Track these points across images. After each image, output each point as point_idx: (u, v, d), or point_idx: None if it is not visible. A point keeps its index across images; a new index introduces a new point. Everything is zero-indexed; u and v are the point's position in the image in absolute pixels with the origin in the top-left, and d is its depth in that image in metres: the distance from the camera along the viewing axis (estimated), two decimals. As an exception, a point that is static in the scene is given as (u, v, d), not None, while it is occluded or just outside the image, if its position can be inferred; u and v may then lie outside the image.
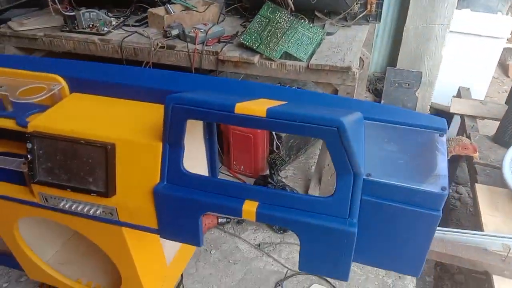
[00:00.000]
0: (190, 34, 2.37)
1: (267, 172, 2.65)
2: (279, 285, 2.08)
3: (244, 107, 1.02)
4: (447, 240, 2.01)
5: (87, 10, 2.54)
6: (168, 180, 1.22)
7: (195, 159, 1.40)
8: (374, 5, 2.62)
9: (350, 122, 0.99)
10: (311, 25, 2.38)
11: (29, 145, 1.28)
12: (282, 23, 2.36)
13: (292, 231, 1.15)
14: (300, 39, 2.32)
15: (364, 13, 2.64)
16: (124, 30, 2.58)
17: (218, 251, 2.28)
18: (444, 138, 1.16)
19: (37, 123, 1.30)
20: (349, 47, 2.36)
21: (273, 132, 2.72)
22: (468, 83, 3.66)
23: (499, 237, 2.01)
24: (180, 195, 1.19)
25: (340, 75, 2.20)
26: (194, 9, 2.62)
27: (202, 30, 2.40)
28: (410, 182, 1.06)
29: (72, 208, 1.33)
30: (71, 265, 1.82)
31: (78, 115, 1.35)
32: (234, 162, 2.78)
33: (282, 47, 2.27)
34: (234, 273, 2.16)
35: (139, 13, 2.74)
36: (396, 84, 3.54)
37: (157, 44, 2.37)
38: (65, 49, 2.57)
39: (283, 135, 2.72)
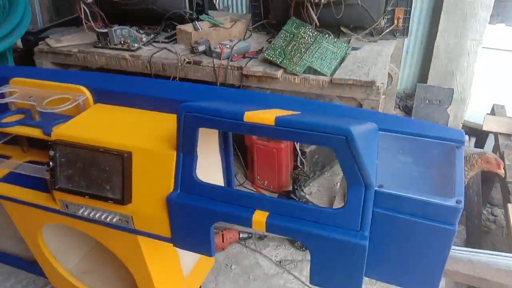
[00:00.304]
0: (216, 50, 2.42)
1: (291, 187, 2.63)
2: (299, 303, 2.04)
3: (253, 116, 1.03)
4: (476, 261, 1.92)
5: (119, 27, 2.65)
6: (182, 189, 1.23)
7: (211, 169, 1.41)
8: (401, 20, 2.59)
9: (359, 131, 0.97)
10: (335, 40, 2.39)
11: (51, 153, 1.33)
12: (306, 38, 2.37)
13: (302, 243, 1.13)
14: (324, 53, 2.32)
15: (391, 28, 2.61)
16: (153, 46, 2.66)
17: (239, 266, 2.27)
18: (461, 151, 1.12)
19: (60, 131, 1.35)
20: (374, 62, 2.33)
21: (297, 147, 2.70)
22: (503, 101, 3.53)
23: (532, 260, 1.90)
24: (192, 203, 1.20)
25: (364, 90, 2.17)
26: (221, 25, 2.68)
27: (228, 46, 2.44)
28: (423, 195, 1.02)
29: (90, 215, 1.37)
30: (92, 274, 1.85)
31: (99, 124, 1.39)
32: (258, 177, 2.78)
33: (306, 62, 2.27)
34: (254, 289, 2.14)
35: (168, 30, 2.82)
36: (427, 101, 3.45)
37: (184, 60, 2.43)
38: (97, 65, 2.67)
39: (307, 150, 2.70)
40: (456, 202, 1.00)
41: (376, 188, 1.05)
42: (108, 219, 1.35)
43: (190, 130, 1.12)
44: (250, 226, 1.15)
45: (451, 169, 1.08)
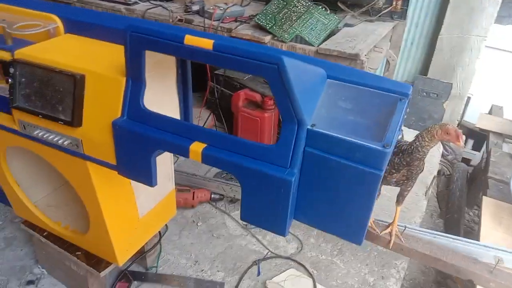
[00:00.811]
0: (208, 11, 2.42)
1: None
2: (256, 264, 2.05)
3: (193, 39, 1.03)
4: (436, 243, 1.90)
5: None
6: (128, 116, 1.25)
7: (166, 104, 1.42)
8: (400, 1, 2.56)
9: (293, 63, 0.97)
10: (328, 12, 2.37)
11: (11, 70, 1.36)
12: (299, 7, 2.36)
13: (234, 176, 1.14)
14: (314, 24, 2.31)
15: (389, 9, 2.58)
16: (150, 3, 2.68)
17: (205, 224, 2.29)
18: (404, 102, 1.11)
19: (23, 51, 1.38)
20: (364, 38, 2.31)
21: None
22: (503, 102, 3.47)
23: (492, 248, 1.88)
24: (135, 130, 1.22)
25: (348, 62, 2.16)
26: (223, -9, 2.67)
27: (221, 8, 2.44)
28: (353, 137, 1.02)
29: (44, 137, 1.39)
30: (56, 209, 1.89)
31: (62, 50, 1.41)
32: (240, 145, 2.78)
33: (295, 30, 2.26)
34: (215, 246, 2.15)
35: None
36: (424, 94, 3.41)
37: (176, 17, 2.44)
38: (94, 16, 2.69)
39: (291, 123, 2.69)
40: (384, 146, 0.99)
41: (308, 127, 1.05)
42: (59, 142, 1.37)
43: (135, 52, 1.13)
44: (187, 156, 1.16)
45: (387, 118, 1.07)
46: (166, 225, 2.22)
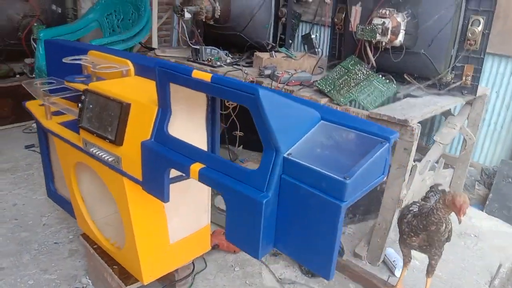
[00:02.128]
0: (277, 74, 2.67)
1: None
2: (278, 316, 2.04)
3: (199, 73, 1.24)
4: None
5: (210, 47, 3.10)
6: (155, 138, 1.48)
7: (194, 134, 1.61)
8: (470, 77, 2.53)
9: (270, 95, 1.11)
10: (387, 81, 2.45)
11: (82, 97, 1.71)
12: (359, 74, 2.48)
13: (221, 195, 1.26)
14: (372, 91, 2.40)
15: (459, 84, 2.55)
16: (233, 67, 3.04)
17: (242, 270, 2.36)
18: (383, 145, 1.15)
19: (94, 84, 1.74)
20: (422, 108, 2.32)
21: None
22: None
23: None
24: (155, 149, 1.43)
25: (398, 129, 2.17)
26: (294, 58, 2.94)
27: (289, 73, 2.68)
28: (321, 167, 1.09)
29: (96, 153, 1.69)
30: (110, 227, 2.16)
31: (123, 85, 1.74)
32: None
33: (352, 95, 2.38)
34: (246, 293, 2.20)
35: (252, 56, 3.18)
36: (509, 179, 3.14)
37: (249, 79, 2.73)
38: (185, 75, 3.14)
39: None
40: (344, 178, 1.05)
41: (284, 155, 1.15)
42: (106, 158, 1.65)
43: (162, 83, 1.38)
44: (188, 174, 1.33)
45: (360, 156, 1.12)
46: (205, 263, 2.35)
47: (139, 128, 1.54)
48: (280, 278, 2.31)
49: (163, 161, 1.41)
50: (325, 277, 1.15)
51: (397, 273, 2.31)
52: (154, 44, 4.28)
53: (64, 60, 1.98)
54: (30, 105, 2.25)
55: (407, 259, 1.83)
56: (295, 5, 4.73)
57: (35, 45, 3.70)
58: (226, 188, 1.23)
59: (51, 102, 1.98)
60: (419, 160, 2.70)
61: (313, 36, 4.44)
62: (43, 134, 2.30)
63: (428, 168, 2.69)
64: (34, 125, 3.86)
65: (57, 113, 2.11)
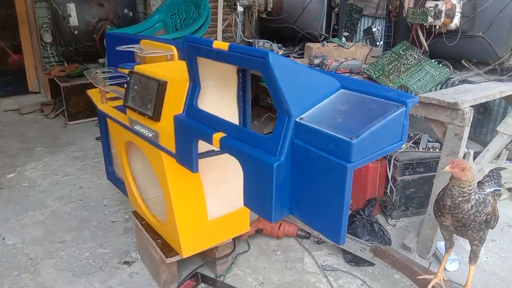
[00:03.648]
0: (326, 63, 2.66)
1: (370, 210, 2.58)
2: (315, 300, 2.02)
3: (218, 43, 1.30)
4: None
5: (264, 40, 3.16)
6: (186, 112, 1.55)
7: (226, 109, 1.64)
8: (535, 60, 2.33)
9: (280, 59, 1.13)
10: (440, 65, 2.33)
11: (127, 78, 1.84)
12: (410, 59, 2.40)
13: (239, 161, 1.29)
14: (423, 76, 2.30)
15: (523, 68, 2.36)
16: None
17: (283, 255, 2.36)
18: (400, 109, 1.11)
19: (138, 66, 1.86)
20: (477, 93, 2.17)
21: (389, 174, 2.64)
22: None
23: None
24: (185, 122, 1.51)
25: (449, 113, 2.07)
26: (345, 47, 2.90)
27: (339, 61, 2.65)
28: (329, 129, 1.09)
29: (139, 130, 1.80)
30: (158, 206, 2.28)
31: (164, 68, 1.85)
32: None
33: (401, 80, 2.30)
34: (285, 276, 2.20)
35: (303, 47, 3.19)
36: None
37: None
38: (239, 67, 3.22)
39: (398, 178, 2.61)
40: (350, 138, 1.03)
41: (296, 119, 1.16)
42: (146, 134, 1.76)
43: (190, 57, 1.45)
44: (211, 142, 1.39)
45: (372, 119, 1.10)
46: (249, 246, 2.40)
47: (173, 104, 1.62)
48: (322, 265, 2.29)
49: (191, 132, 1.48)
50: (336, 242, 1.14)
51: (448, 267, 2.18)
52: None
53: (117, 48, 2.15)
54: (91, 92, 2.46)
55: (448, 244, 1.73)
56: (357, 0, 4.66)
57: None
58: (242, 154, 1.26)
59: (105, 87, 2.15)
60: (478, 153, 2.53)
61: (374, 30, 4.35)
62: (103, 120, 2.49)
63: (489, 160, 2.51)
64: (106, 119, 4.18)
65: (112, 100, 2.29)
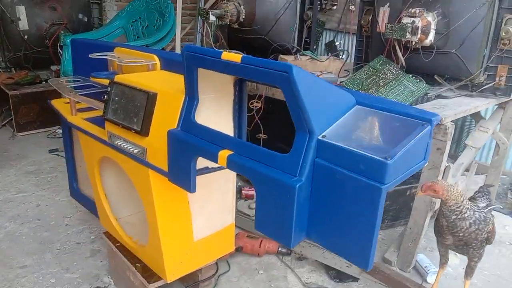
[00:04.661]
0: (303, 75, 2.62)
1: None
2: (305, 321, 1.95)
3: (228, 55, 1.21)
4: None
5: (234, 51, 3.07)
6: (181, 127, 1.44)
7: (222, 122, 1.55)
8: (503, 78, 2.43)
9: (303, 73, 1.06)
10: (418, 80, 2.37)
11: (108, 89, 1.69)
12: (388, 74, 2.42)
13: (250, 181, 1.20)
14: (402, 91, 2.33)
15: (492, 84, 2.46)
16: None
17: (266, 273, 2.28)
18: (425, 127, 1.08)
19: (120, 76, 1.72)
20: (454, 108, 2.23)
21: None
22: None
23: None
24: (182, 137, 1.39)
25: (430, 128, 2.09)
26: (319, 60, 2.89)
27: (315, 75, 2.63)
28: (358, 148, 1.03)
29: (121, 145, 1.66)
30: (133, 226, 2.12)
31: (149, 78, 1.72)
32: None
33: (380, 95, 2.31)
34: (270, 296, 2.12)
35: (276, 60, 3.15)
36: (546, 187, 2.99)
37: (274, 80, 2.69)
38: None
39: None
40: (385, 158, 0.98)
41: (319, 138, 1.10)
42: (131, 150, 1.62)
43: (189, 69, 1.34)
44: (216, 161, 1.28)
45: (400, 139, 1.05)
46: (229, 265, 2.29)
47: (165, 118, 1.50)
48: (306, 283, 2.23)
49: (190, 149, 1.37)
50: (363, 268, 1.08)
51: (429, 279, 2.20)
52: (178, 51, 4.31)
53: (90, 56, 1.99)
54: (56, 103, 2.26)
55: (444, 260, 1.74)
56: (318, 13, 4.70)
57: (61, 52, 3.76)
58: (256, 174, 1.17)
59: (76, 97, 1.97)
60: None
61: (337, 43, 4.41)
62: (68, 132, 2.30)
63: (461, 172, 2.58)
64: (58, 130, 3.91)
65: (81, 111, 2.11)
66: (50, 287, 2.07)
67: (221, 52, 1.22)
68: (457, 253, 1.91)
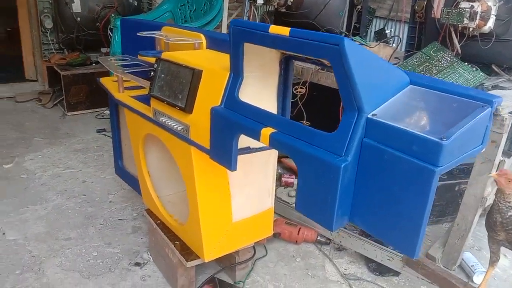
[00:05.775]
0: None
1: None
2: (342, 311, 1.90)
3: (276, 28, 1.17)
4: None
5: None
6: (225, 104, 1.42)
7: (266, 100, 1.54)
8: None
9: (355, 47, 1.01)
10: (474, 69, 2.23)
11: (155, 66, 1.70)
12: (442, 61, 2.29)
13: (293, 160, 1.17)
14: (456, 79, 2.20)
15: (557, 76, 2.28)
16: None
17: (303, 261, 2.24)
18: (485, 108, 1.00)
19: (166, 53, 1.72)
20: (513, 98, 2.08)
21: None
22: None
23: None
24: (225, 115, 1.37)
25: (486, 119, 1.96)
26: (368, 46, 2.79)
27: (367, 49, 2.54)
28: (412, 128, 0.97)
29: (166, 122, 1.66)
30: (174, 205, 2.14)
31: (195, 56, 1.71)
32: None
33: (432, 83, 2.20)
34: (307, 284, 2.08)
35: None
36: None
37: (316, 68, 2.63)
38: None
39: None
40: (440, 139, 0.91)
41: (368, 116, 1.04)
42: (175, 127, 1.62)
43: (236, 44, 1.31)
44: (259, 139, 1.25)
45: (457, 120, 0.98)
46: (266, 250, 2.27)
47: (209, 95, 1.49)
48: (344, 274, 2.17)
49: (233, 126, 1.35)
50: (409, 255, 1.02)
51: (476, 279, 2.08)
52: (224, 34, 4.31)
53: (139, 34, 2.00)
54: (104, 80, 2.30)
55: (494, 257, 1.64)
56: (369, 0, 4.56)
57: (111, 34, 3.84)
58: (299, 153, 1.14)
59: (124, 75, 2.00)
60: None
61: (387, 31, 4.26)
62: (115, 110, 2.34)
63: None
64: (106, 112, 4.02)
65: (128, 89, 2.14)
66: (92, 260, 2.13)
67: (269, 26, 1.18)
68: (506, 255, 1.80)
